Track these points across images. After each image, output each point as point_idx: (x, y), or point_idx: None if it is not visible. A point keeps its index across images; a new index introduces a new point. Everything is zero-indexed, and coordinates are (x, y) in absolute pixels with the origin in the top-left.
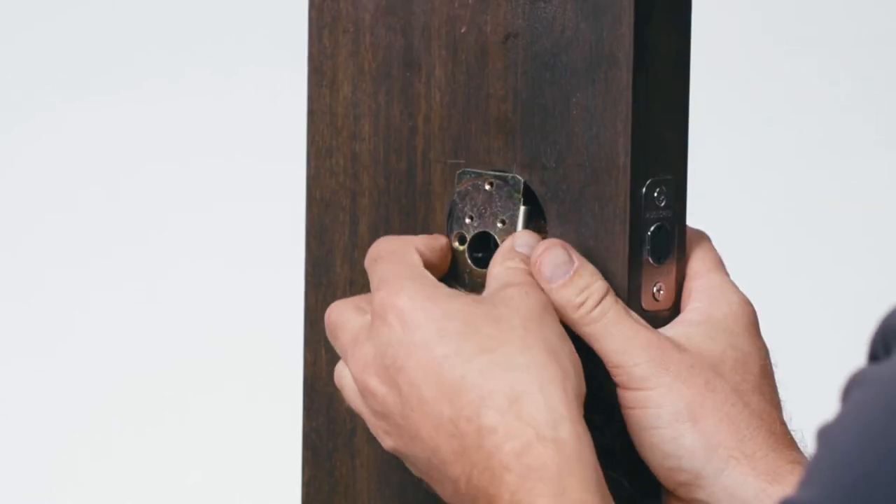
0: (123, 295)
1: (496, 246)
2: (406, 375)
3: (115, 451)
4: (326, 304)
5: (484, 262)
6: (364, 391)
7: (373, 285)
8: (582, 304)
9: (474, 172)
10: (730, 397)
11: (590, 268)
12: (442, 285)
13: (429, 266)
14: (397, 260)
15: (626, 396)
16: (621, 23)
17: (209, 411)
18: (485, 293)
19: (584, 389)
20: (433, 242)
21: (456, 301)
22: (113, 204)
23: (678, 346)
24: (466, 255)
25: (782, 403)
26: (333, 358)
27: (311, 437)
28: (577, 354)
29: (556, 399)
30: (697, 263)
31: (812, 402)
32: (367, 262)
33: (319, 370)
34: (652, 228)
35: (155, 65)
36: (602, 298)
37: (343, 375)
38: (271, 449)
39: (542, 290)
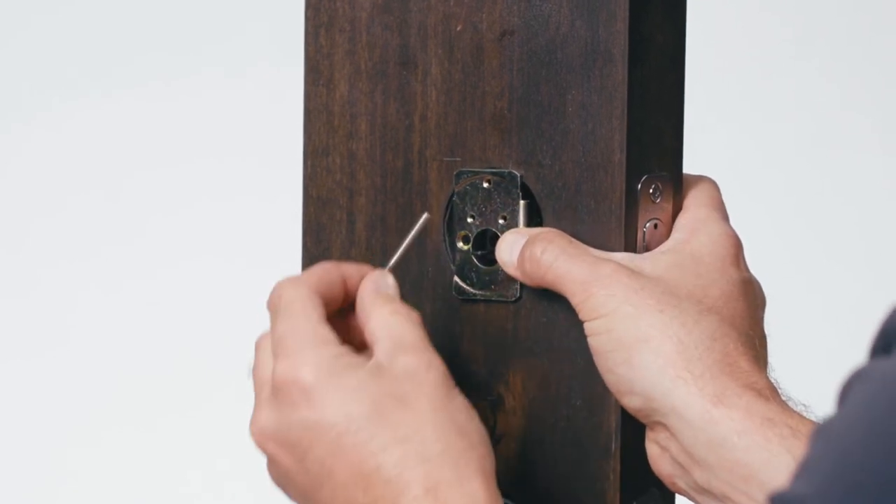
0: (120, 293)
1: None
2: (315, 455)
3: (111, 450)
4: None
5: (487, 260)
6: (264, 451)
7: (273, 340)
8: (534, 258)
9: (471, 172)
10: (680, 317)
11: (539, 231)
12: (341, 349)
13: (328, 302)
14: (298, 314)
15: (586, 328)
16: (616, 19)
17: (206, 409)
18: (378, 350)
19: (493, 457)
20: (326, 276)
21: (357, 375)
22: (109, 203)
23: (630, 272)
24: (472, 254)
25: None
26: None
27: None
28: (481, 423)
29: (475, 483)
30: (689, 199)
31: (808, 399)
32: (269, 309)
33: None
34: (647, 225)
35: (151, 65)
36: (547, 246)
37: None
38: None
39: (436, 353)
